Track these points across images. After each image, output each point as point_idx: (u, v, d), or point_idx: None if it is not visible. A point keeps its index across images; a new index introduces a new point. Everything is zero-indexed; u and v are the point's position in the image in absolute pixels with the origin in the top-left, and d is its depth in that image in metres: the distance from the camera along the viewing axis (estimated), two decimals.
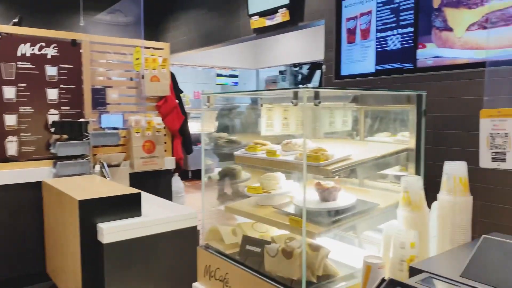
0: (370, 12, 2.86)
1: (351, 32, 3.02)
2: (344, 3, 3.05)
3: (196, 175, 8.80)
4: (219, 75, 9.95)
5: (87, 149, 3.37)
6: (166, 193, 3.97)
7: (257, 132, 2.63)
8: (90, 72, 3.52)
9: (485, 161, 1.55)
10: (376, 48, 2.86)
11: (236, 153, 2.23)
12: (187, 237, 2.60)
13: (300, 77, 8.59)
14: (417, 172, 2.02)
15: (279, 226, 1.90)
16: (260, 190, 2.11)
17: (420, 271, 1.42)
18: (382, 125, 2.37)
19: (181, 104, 4.69)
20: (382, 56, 2.82)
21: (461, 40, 2.30)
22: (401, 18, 2.68)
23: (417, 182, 1.78)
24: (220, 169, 2.60)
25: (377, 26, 2.83)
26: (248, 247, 1.99)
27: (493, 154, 1.52)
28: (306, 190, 1.65)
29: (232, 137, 2.52)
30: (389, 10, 2.75)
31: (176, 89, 4.62)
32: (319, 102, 1.58)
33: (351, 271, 1.85)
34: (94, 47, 3.56)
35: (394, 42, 2.76)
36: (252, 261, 1.93)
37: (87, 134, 3.37)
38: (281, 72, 8.95)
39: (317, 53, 7.42)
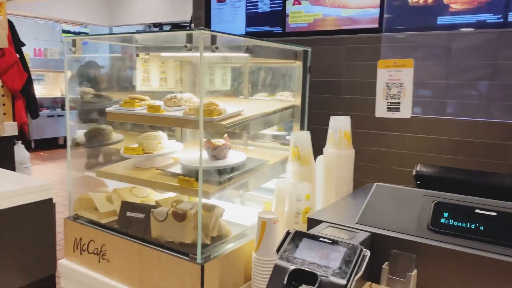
0: None
1: None
2: None
3: (41, 145, 7.80)
4: (65, 31, 8.73)
5: None
6: (8, 163, 3.41)
7: (128, 88, 2.33)
8: None
9: (381, 111, 1.63)
10: (246, 9, 2.78)
11: (108, 109, 1.94)
12: (42, 211, 2.22)
13: None
14: (302, 128, 2.05)
15: (166, 188, 1.72)
16: (140, 151, 1.88)
17: (318, 222, 1.44)
18: (272, 81, 2.33)
19: (23, 59, 4.00)
20: (252, 18, 2.76)
21: None
22: None
23: (306, 137, 1.79)
24: (85, 131, 2.25)
25: None
26: (129, 213, 1.77)
27: (389, 104, 1.61)
28: (202, 147, 1.51)
29: (100, 92, 2.18)
30: None
31: (16, 41, 3.90)
32: (216, 48, 1.43)
33: (242, 229, 1.80)
34: None
35: (264, 5, 2.72)
36: (135, 228, 1.72)
37: None
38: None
39: (181, 13, 7.09)
